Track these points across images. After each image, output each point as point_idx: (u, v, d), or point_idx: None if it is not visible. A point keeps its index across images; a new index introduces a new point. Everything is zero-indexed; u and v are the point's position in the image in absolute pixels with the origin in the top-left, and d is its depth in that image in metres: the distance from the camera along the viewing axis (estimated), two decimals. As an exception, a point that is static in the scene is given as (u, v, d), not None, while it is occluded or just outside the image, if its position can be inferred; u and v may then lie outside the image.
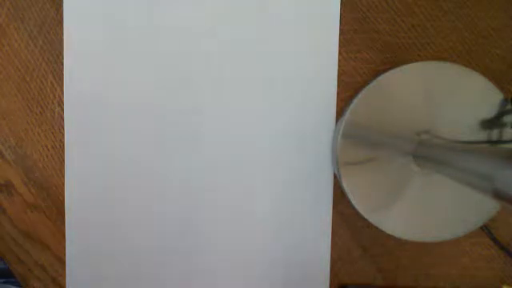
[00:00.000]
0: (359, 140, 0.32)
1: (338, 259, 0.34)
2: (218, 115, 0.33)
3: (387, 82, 0.32)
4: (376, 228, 0.32)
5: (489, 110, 0.32)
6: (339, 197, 0.33)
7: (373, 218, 0.32)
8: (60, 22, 0.32)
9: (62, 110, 0.33)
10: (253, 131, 0.33)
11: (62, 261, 0.33)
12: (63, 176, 0.33)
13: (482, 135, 0.32)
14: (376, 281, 0.34)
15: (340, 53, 0.33)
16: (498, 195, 0.20)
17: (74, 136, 0.33)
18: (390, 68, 0.32)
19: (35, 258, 0.33)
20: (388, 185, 0.32)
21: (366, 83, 0.33)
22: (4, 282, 0.28)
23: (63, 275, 0.33)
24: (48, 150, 0.33)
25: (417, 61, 0.33)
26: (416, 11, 0.33)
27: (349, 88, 0.33)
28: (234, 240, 0.33)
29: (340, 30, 0.33)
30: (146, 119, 0.33)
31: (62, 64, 0.33)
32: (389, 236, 0.33)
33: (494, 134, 0.32)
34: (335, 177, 0.33)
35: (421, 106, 0.32)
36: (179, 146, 0.33)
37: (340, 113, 0.33)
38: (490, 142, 0.32)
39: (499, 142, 0.32)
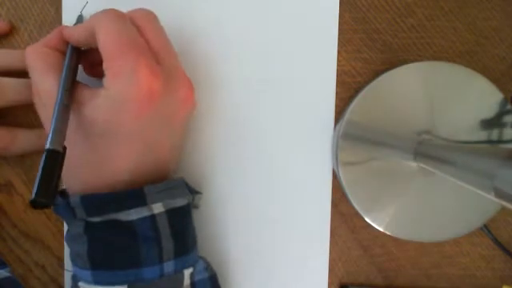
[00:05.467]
0: (359, 140, 0.32)
1: (338, 259, 0.34)
2: (217, 115, 0.33)
3: (387, 82, 0.32)
4: (376, 228, 0.32)
5: (489, 110, 0.32)
6: (339, 197, 0.33)
7: (373, 218, 0.32)
8: (60, 22, 0.32)
9: (62, 110, 0.33)
10: (252, 131, 0.33)
11: (61, 261, 0.33)
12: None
13: (482, 135, 0.32)
14: (376, 281, 0.34)
15: (340, 53, 0.33)
16: (498, 194, 0.20)
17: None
18: (390, 68, 0.32)
19: (35, 258, 0.33)
20: (388, 185, 0.32)
21: (366, 83, 0.33)
22: None
23: (63, 275, 0.33)
24: (48, 150, 0.33)
25: (417, 61, 0.33)
26: (416, 11, 0.33)
27: (349, 88, 0.33)
28: (232, 240, 0.33)
29: (339, 29, 0.33)
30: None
31: (62, 64, 0.32)
32: (389, 236, 0.33)
33: (494, 134, 0.32)
34: (335, 177, 0.33)
35: (421, 106, 0.32)
36: (179, 146, 0.33)
37: (340, 113, 0.33)
38: (490, 141, 0.32)
39: (499, 141, 0.32)
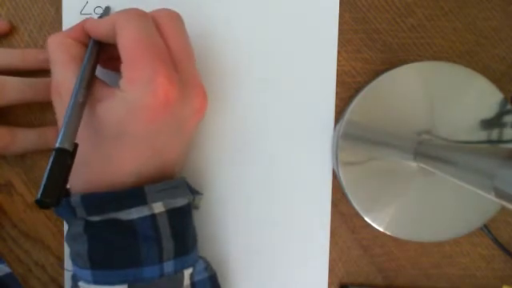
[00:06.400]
0: (359, 140, 0.32)
1: (338, 259, 0.34)
2: (217, 115, 0.33)
3: (387, 81, 0.32)
4: (376, 228, 0.32)
5: (489, 110, 0.32)
6: (339, 197, 0.33)
7: (373, 218, 0.32)
8: (60, 22, 0.32)
9: (62, 109, 0.33)
10: (252, 131, 0.33)
11: (61, 261, 0.33)
12: (63, 176, 0.33)
13: (482, 135, 0.32)
14: (376, 281, 0.34)
15: (340, 53, 0.33)
16: (498, 194, 0.20)
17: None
18: (390, 68, 0.32)
19: (35, 258, 0.33)
20: (388, 185, 0.32)
21: (366, 83, 0.33)
22: None
23: (63, 275, 0.33)
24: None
25: (417, 61, 0.33)
26: (416, 11, 0.33)
27: (349, 88, 0.33)
28: (232, 240, 0.33)
29: (339, 29, 0.33)
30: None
31: (62, 64, 0.32)
32: (389, 236, 0.33)
33: (494, 134, 0.32)
34: (335, 177, 0.33)
35: (421, 106, 0.32)
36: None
37: (340, 113, 0.33)
38: (490, 141, 0.32)
39: (499, 141, 0.32)
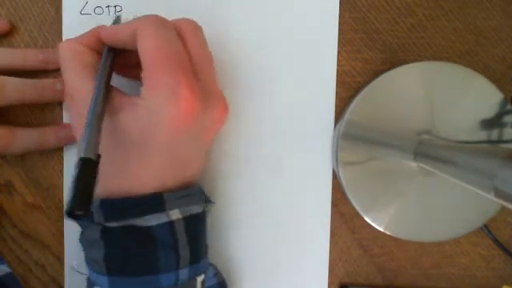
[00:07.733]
0: (359, 140, 0.32)
1: (338, 259, 0.34)
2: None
3: (387, 82, 0.32)
4: (376, 228, 0.32)
5: (489, 110, 0.32)
6: (339, 197, 0.33)
7: (373, 218, 0.32)
8: (60, 22, 0.32)
9: (62, 109, 0.33)
10: (252, 131, 0.33)
11: (61, 261, 0.33)
12: (63, 176, 0.33)
13: (482, 135, 0.32)
14: (376, 281, 0.34)
15: (340, 53, 0.33)
16: (498, 194, 0.20)
17: (74, 136, 0.33)
18: (390, 68, 0.32)
19: (35, 258, 0.33)
20: (388, 185, 0.32)
21: (366, 83, 0.33)
22: None
23: (63, 275, 0.33)
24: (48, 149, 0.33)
25: (417, 61, 0.33)
26: (416, 11, 0.33)
27: (349, 88, 0.33)
28: (232, 240, 0.33)
29: (339, 29, 0.33)
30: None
31: (62, 64, 0.32)
32: (389, 236, 0.33)
33: (494, 134, 0.32)
34: (335, 177, 0.33)
35: (421, 105, 0.32)
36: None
37: (340, 113, 0.33)
38: (490, 141, 0.32)
39: (499, 141, 0.32)
